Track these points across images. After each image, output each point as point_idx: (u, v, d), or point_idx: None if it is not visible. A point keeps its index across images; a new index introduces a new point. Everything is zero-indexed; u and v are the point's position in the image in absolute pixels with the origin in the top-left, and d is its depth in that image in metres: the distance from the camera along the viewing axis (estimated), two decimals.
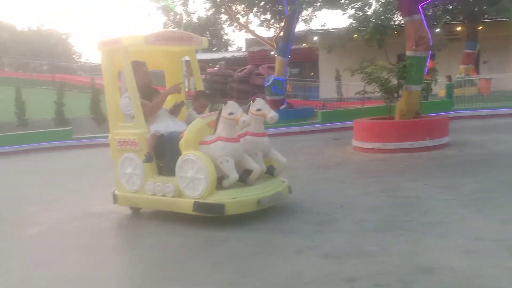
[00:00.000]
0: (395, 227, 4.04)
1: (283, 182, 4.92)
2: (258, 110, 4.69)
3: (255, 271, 3.38)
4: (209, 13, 19.26)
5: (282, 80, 15.81)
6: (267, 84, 15.86)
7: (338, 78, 21.42)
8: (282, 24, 17.56)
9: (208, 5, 19.74)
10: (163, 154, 4.89)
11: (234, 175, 4.40)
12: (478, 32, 19.12)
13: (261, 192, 4.51)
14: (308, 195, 5.48)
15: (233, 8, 19.92)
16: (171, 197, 4.65)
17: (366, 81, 9.18)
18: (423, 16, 8.53)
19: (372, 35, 9.49)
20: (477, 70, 20.58)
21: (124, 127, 5.08)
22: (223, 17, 20.53)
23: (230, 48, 44.31)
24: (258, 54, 27.36)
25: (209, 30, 39.31)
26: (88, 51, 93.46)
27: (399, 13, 9.57)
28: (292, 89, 21.50)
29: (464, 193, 5.09)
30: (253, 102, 4.79)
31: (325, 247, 3.69)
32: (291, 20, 15.61)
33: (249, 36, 25.25)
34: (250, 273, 3.34)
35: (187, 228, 4.54)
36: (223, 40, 43.47)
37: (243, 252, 3.76)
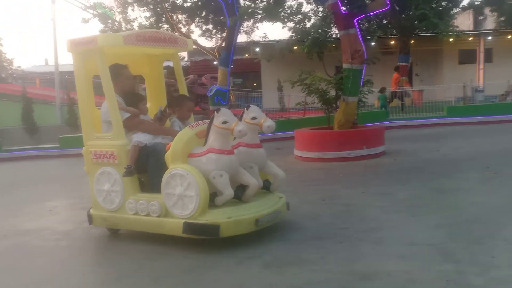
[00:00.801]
0: (334, 235, 4.13)
1: (281, 198, 4.50)
2: (253, 118, 4.24)
3: (196, 284, 3.32)
4: (151, 20, 18.88)
5: (225, 90, 15.83)
6: (210, 94, 15.81)
7: (280, 88, 21.77)
8: (224, 34, 17.62)
9: (148, 13, 19.37)
10: (146, 167, 4.38)
11: (229, 192, 3.94)
12: (410, 46, 20.16)
13: (259, 210, 4.07)
14: None
15: (175, 17, 19.72)
16: (156, 217, 4.15)
17: (306, 92, 9.39)
18: (358, 30, 8.88)
19: (311, 48, 9.75)
20: (410, 82, 21.67)
21: (100, 138, 4.56)
22: (165, 26, 20.26)
23: None
24: (200, 64, 27.23)
25: None
26: (20, 58, 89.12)
27: (336, 26, 9.88)
28: (235, 99, 21.59)
29: (399, 199, 5.30)
30: (247, 109, 4.32)
31: (266, 256, 3.69)
32: (233, 31, 15.70)
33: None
34: (191, 287, 3.27)
35: (123, 244, 4.39)
36: None
37: (182, 266, 3.68)
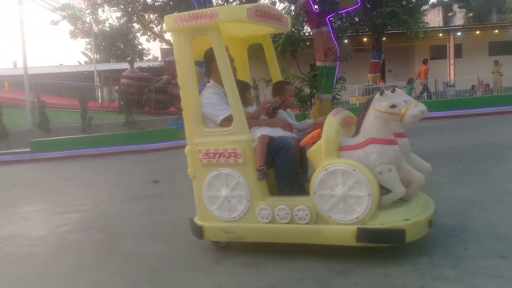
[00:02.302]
0: None
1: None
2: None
3: (175, 285, 3.30)
4: (122, 20, 18.64)
5: (199, 90, 15.77)
6: None
7: (255, 87, 21.79)
8: None
9: (119, 13, 19.09)
10: (271, 165, 3.72)
11: (400, 189, 3.37)
12: (383, 43, 20.49)
13: (427, 210, 3.52)
14: None
15: (146, 17, 19.53)
16: (305, 224, 3.50)
17: None
18: (330, 28, 8.96)
19: (284, 46, 9.80)
20: (383, 78, 22.01)
21: (214, 133, 3.76)
22: (137, 25, 19.99)
23: (145, 58, 43.30)
24: (174, 64, 27.00)
25: (123, 39, 38.12)
26: None
27: (308, 25, 9.97)
28: None
29: None
30: (392, 92, 3.63)
31: (245, 256, 3.69)
32: None
33: (165, 45, 24.87)
34: None
35: (100, 248, 4.33)
36: (138, 49, 42.34)
37: (161, 267, 3.66)
